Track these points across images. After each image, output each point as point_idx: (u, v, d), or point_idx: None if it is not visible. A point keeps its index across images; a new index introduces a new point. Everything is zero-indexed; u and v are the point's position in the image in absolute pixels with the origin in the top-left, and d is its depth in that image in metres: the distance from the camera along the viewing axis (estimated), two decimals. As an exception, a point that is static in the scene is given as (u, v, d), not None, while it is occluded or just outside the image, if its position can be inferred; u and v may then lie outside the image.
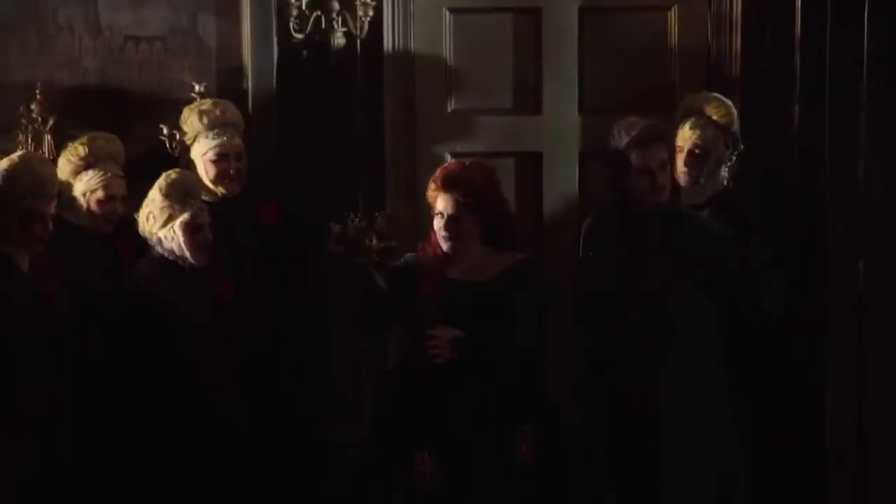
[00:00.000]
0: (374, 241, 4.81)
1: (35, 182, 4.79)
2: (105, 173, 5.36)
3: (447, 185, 4.83)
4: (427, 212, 5.01)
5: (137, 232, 5.22)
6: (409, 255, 4.98)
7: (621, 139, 4.90)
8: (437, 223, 4.85)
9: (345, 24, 5.75)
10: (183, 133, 5.57)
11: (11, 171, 4.80)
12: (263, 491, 5.27)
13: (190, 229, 5.08)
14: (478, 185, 4.85)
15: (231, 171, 5.51)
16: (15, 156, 4.98)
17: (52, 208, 4.89)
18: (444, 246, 4.85)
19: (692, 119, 5.41)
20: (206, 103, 5.58)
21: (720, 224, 5.08)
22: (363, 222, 4.84)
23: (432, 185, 4.87)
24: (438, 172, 4.91)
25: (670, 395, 4.88)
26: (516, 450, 4.78)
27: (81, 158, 5.36)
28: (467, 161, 5.08)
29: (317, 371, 5.78)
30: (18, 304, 4.73)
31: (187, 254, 5.09)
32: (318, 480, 5.73)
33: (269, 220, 5.60)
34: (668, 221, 4.93)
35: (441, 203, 4.83)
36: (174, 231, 5.08)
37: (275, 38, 5.87)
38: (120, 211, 5.37)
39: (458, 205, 4.81)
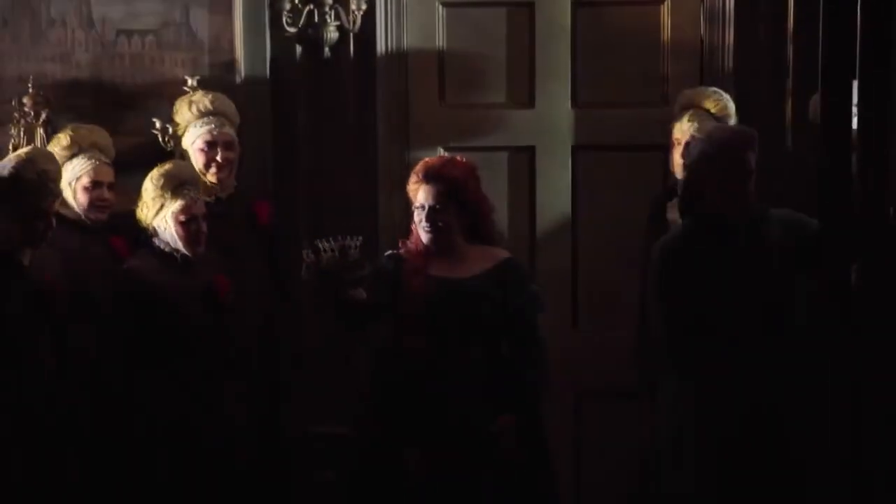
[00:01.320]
0: (345, 274, 4.76)
1: (40, 180, 4.77)
2: (89, 159, 5.32)
3: (429, 178, 4.83)
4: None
5: (132, 227, 5.21)
6: (390, 251, 4.97)
7: (712, 145, 4.81)
8: (418, 216, 4.85)
9: (337, 17, 5.75)
10: (176, 125, 5.56)
11: (18, 169, 4.77)
12: (254, 486, 5.27)
13: (182, 218, 5.06)
14: (458, 178, 4.85)
15: (219, 160, 5.48)
16: (22, 152, 4.94)
17: (56, 205, 4.89)
18: (425, 238, 4.84)
19: (690, 112, 5.42)
20: (197, 94, 5.58)
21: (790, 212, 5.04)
22: (335, 252, 4.77)
23: (413, 178, 4.87)
24: (419, 166, 4.91)
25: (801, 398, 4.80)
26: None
27: (65, 148, 5.32)
28: (447, 155, 5.08)
29: (308, 367, 5.79)
30: (21, 299, 4.72)
31: (180, 244, 5.08)
32: (309, 476, 5.74)
33: (263, 219, 5.59)
34: (760, 224, 4.84)
35: (422, 195, 4.83)
36: (167, 221, 5.07)
37: (267, 32, 5.86)
38: (107, 197, 5.33)
39: (439, 196, 4.81)
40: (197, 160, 5.47)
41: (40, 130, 5.62)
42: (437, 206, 4.82)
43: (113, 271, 5.16)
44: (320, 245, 4.75)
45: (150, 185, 5.10)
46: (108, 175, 5.36)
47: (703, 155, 4.82)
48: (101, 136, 5.42)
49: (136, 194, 5.22)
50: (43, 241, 4.83)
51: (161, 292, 5.01)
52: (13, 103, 5.65)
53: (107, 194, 5.34)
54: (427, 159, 5.02)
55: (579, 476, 6.00)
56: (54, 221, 4.84)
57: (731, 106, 5.46)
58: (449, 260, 4.86)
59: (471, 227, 4.91)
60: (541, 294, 5.03)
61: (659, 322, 4.92)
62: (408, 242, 4.93)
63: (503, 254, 4.95)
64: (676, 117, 5.47)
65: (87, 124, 5.47)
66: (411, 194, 4.89)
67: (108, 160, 5.39)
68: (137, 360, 4.98)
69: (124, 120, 5.79)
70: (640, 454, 5.56)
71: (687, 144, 5.35)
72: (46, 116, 5.65)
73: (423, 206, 4.84)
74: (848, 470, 4.46)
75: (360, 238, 4.78)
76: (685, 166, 5.01)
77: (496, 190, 5.98)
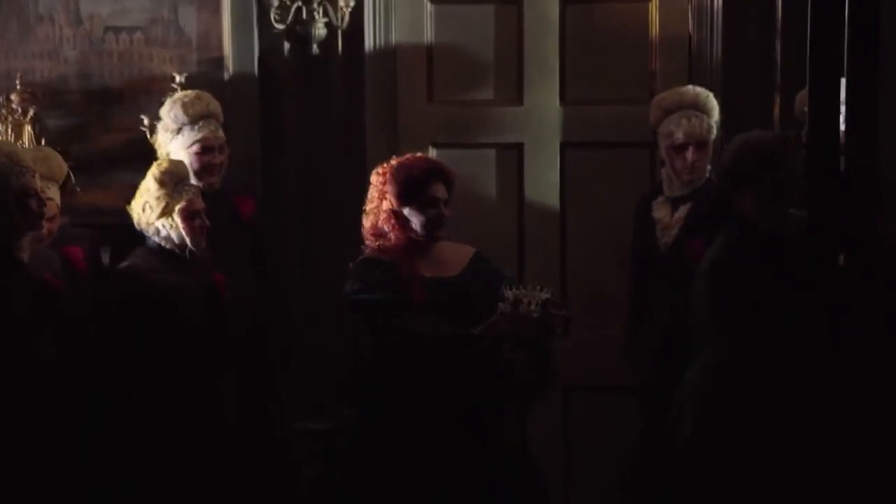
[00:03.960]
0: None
1: (12, 160, 4.69)
2: None
3: (441, 175, 4.80)
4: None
5: (87, 236, 5.18)
6: (366, 257, 4.84)
7: (750, 157, 4.72)
8: (428, 213, 4.76)
9: (325, 14, 5.75)
10: (165, 124, 5.52)
11: None
12: (247, 483, 5.27)
13: (188, 214, 5.05)
14: (454, 179, 4.85)
15: (216, 163, 5.48)
16: None
17: (38, 181, 4.80)
18: (436, 233, 4.79)
19: (687, 112, 5.40)
20: (189, 95, 5.53)
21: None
22: (530, 304, 4.68)
23: (424, 172, 4.79)
24: (425, 162, 4.86)
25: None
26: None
27: None
28: (417, 154, 5.03)
29: (296, 364, 5.79)
30: (21, 296, 4.70)
31: (187, 240, 5.06)
32: (297, 472, 5.74)
33: (246, 215, 5.58)
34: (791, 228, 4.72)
35: (438, 191, 4.76)
36: (173, 219, 5.05)
37: (255, 29, 5.86)
38: (45, 233, 5.03)
39: (449, 191, 4.80)
40: (192, 164, 5.41)
41: (28, 127, 5.61)
42: (447, 202, 4.80)
43: (76, 285, 5.10)
44: (518, 296, 4.63)
45: (154, 185, 5.07)
46: (51, 209, 5.06)
47: (740, 165, 4.75)
48: (48, 165, 5.18)
49: (123, 191, 5.20)
50: (40, 222, 4.79)
51: (164, 291, 5.00)
52: (0, 100, 5.64)
53: (45, 229, 5.00)
54: (422, 158, 4.93)
55: (568, 472, 6.01)
56: (44, 200, 4.79)
57: (714, 102, 5.47)
58: (430, 259, 4.83)
59: None
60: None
61: (704, 330, 4.83)
62: (387, 244, 4.84)
63: (469, 248, 4.93)
64: (665, 118, 5.45)
65: (36, 149, 5.35)
66: (411, 187, 4.80)
67: (50, 195, 5.08)
68: (137, 358, 4.98)
69: (112, 116, 5.80)
70: (630, 448, 5.57)
71: (699, 144, 5.35)
72: (34, 113, 5.64)
73: (437, 202, 4.79)
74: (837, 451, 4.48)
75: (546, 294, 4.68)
76: (718, 173, 4.94)
77: (484, 187, 6.00)
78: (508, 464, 4.77)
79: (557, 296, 5.90)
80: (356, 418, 4.85)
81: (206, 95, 5.55)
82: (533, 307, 4.61)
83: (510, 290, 4.64)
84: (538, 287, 4.68)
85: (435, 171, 4.83)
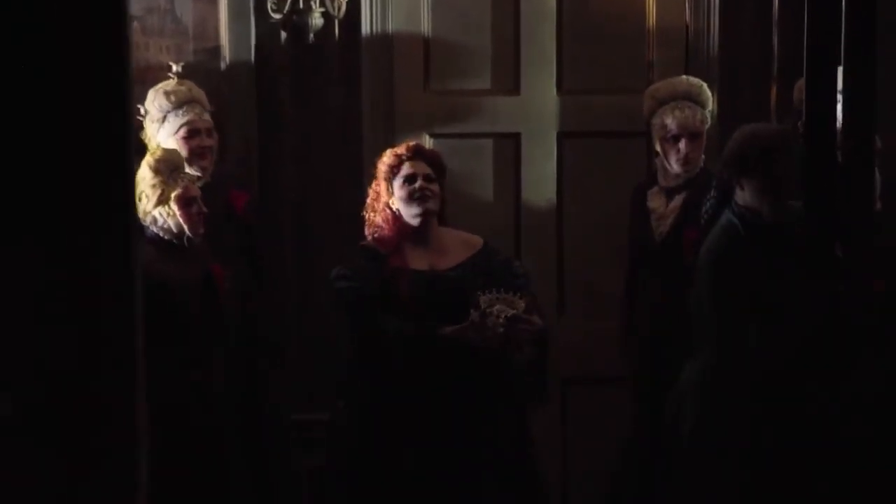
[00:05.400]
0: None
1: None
2: None
3: (418, 154, 4.83)
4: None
5: None
6: (364, 244, 4.88)
7: (753, 148, 4.71)
8: (407, 188, 4.78)
9: (322, 4, 5.73)
10: (151, 115, 5.49)
11: None
12: (242, 475, 5.27)
13: (185, 201, 5.05)
14: (441, 159, 4.89)
15: (205, 146, 5.46)
16: None
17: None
18: (417, 209, 4.76)
19: (681, 103, 5.39)
20: (171, 83, 5.52)
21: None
22: (501, 309, 4.64)
23: (393, 160, 4.80)
24: (401, 147, 4.89)
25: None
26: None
27: None
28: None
29: (288, 356, 5.78)
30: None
31: (185, 227, 5.04)
32: (288, 463, 5.74)
33: (239, 209, 5.57)
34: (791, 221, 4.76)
35: (413, 167, 4.80)
36: (170, 207, 5.04)
37: (252, 18, 5.85)
38: None
39: (429, 169, 4.81)
40: (181, 149, 5.40)
41: (24, 117, 5.59)
42: (430, 177, 4.80)
43: None
44: (488, 308, 4.60)
45: (149, 174, 5.06)
46: None
47: (742, 156, 4.74)
48: None
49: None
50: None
51: (163, 282, 4.99)
52: (-3, 91, 5.63)
53: None
54: (400, 145, 4.99)
55: (565, 463, 6.01)
56: None
57: (708, 92, 5.47)
58: (429, 249, 4.82)
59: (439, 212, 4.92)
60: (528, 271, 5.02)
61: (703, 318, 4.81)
62: (381, 233, 4.84)
63: (477, 239, 4.92)
64: (658, 109, 5.43)
65: None
66: (391, 171, 4.83)
67: None
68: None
69: (108, 106, 5.77)
70: (625, 447, 5.56)
71: (693, 135, 5.33)
72: (31, 104, 5.62)
73: (414, 176, 4.79)
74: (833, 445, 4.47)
75: (523, 303, 4.65)
76: (719, 165, 4.92)
77: (481, 177, 6.00)
78: (507, 463, 4.76)
79: (553, 290, 5.95)
80: (348, 413, 4.85)
81: (188, 82, 5.54)
82: (501, 320, 4.58)
83: (485, 295, 4.61)
84: (518, 294, 4.64)
85: (412, 150, 4.87)
